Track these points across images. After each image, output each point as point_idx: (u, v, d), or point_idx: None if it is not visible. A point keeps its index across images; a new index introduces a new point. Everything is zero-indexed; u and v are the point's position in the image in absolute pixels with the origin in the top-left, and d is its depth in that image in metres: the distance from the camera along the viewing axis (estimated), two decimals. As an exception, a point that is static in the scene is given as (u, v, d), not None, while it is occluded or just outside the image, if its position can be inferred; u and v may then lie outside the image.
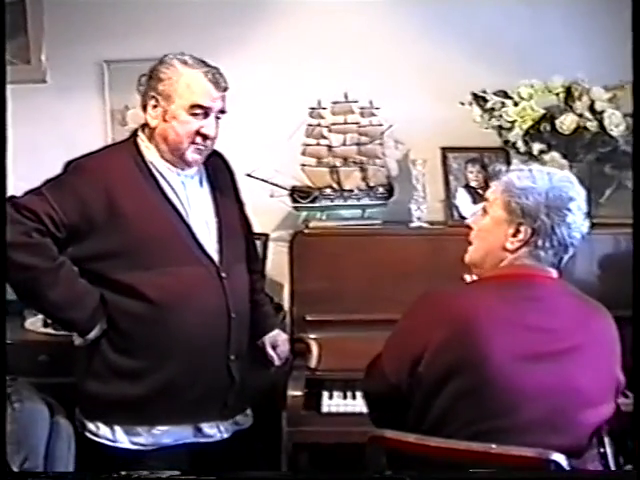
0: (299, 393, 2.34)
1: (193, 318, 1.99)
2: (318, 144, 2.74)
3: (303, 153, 2.73)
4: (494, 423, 1.62)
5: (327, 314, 2.53)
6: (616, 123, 2.48)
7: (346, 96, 2.76)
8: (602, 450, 1.76)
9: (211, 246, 2.07)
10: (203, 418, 2.06)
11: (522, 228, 1.69)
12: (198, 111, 2.01)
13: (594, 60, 2.67)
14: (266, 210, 2.75)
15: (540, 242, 1.69)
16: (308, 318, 2.55)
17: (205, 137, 2.03)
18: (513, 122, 2.57)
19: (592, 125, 2.50)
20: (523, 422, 1.62)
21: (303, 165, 2.75)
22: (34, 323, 2.82)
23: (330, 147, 2.75)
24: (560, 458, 1.53)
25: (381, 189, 2.77)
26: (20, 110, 3.02)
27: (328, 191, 2.75)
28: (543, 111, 2.54)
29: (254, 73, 2.96)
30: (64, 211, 1.96)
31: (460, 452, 1.57)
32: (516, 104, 2.58)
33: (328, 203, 2.76)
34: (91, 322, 2.00)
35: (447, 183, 2.80)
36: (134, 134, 2.11)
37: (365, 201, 2.76)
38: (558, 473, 1.57)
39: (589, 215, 2.63)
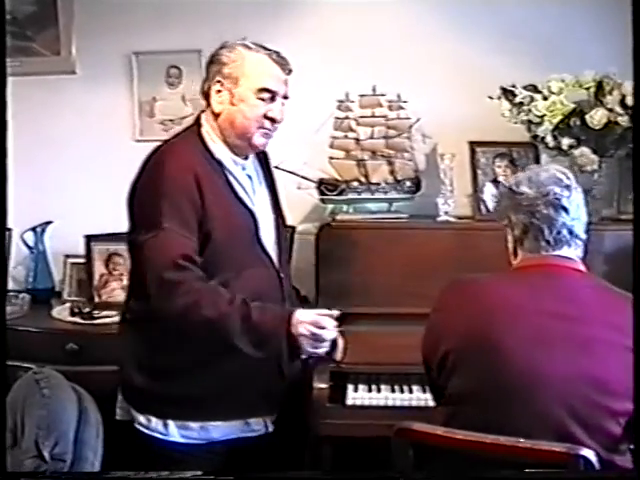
0: (324, 386, 2.33)
1: None
2: (346, 137, 2.74)
3: (331, 146, 2.73)
4: (511, 405, 1.63)
5: (353, 307, 2.51)
6: (648, 118, 2.45)
7: (374, 89, 2.75)
8: (632, 447, 1.74)
9: (270, 246, 2.05)
10: (254, 413, 2.05)
11: (508, 229, 1.82)
12: (265, 95, 1.96)
13: (626, 54, 2.64)
14: (293, 202, 2.74)
15: (531, 235, 1.76)
16: (334, 311, 2.55)
17: (273, 121, 1.99)
18: (542, 117, 2.55)
19: (623, 120, 2.47)
20: (541, 405, 1.61)
21: (331, 158, 2.75)
22: (61, 312, 2.85)
23: (358, 140, 2.75)
24: (589, 454, 1.51)
25: (408, 183, 2.76)
26: (49, 101, 3.08)
27: (355, 184, 2.75)
28: (573, 105, 2.52)
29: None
30: (193, 236, 1.88)
31: (488, 446, 1.57)
32: (545, 98, 2.56)
33: (355, 196, 2.75)
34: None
35: (475, 177, 2.78)
36: (195, 125, 2.03)
37: (392, 194, 2.75)
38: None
39: (619, 211, 2.64)
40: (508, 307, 1.71)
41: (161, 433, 2.00)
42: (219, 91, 1.97)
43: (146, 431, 2.01)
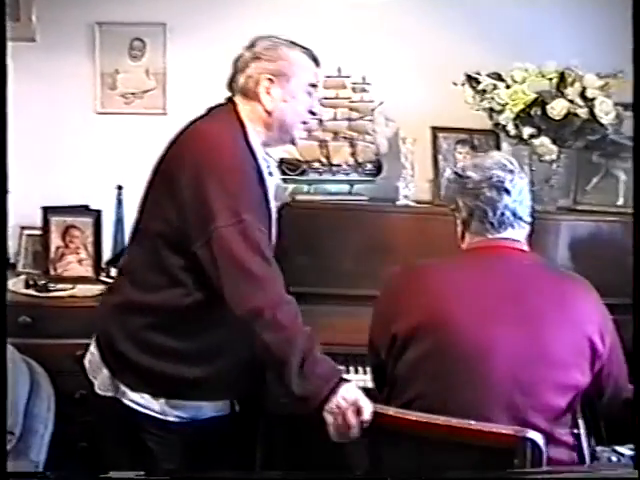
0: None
1: None
2: (309, 117, 2.73)
3: (294, 125, 2.72)
4: (459, 379, 1.68)
5: (311, 287, 2.53)
6: (606, 111, 2.48)
7: (339, 71, 2.75)
8: (576, 431, 1.79)
9: (273, 239, 2.03)
10: (235, 394, 2.04)
11: (456, 213, 1.89)
12: (311, 89, 2.02)
13: (589, 47, 2.68)
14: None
15: (477, 217, 1.83)
16: (291, 290, 2.55)
17: (314, 114, 2.06)
18: (504, 105, 2.56)
19: (582, 112, 2.50)
20: (488, 378, 1.67)
21: (293, 138, 2.74)
22: (16, 284, 2.82)
23: (321, 121, 2.72)
24: (537, 437, 1.56)
25: (369, 165, 2.77)
26: (7, 68, 3.01)
27: (317, 165, 2.75)
28: (535, 95, 2.54)
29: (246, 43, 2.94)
30: (267, 231, 1.88)
31: (439, 427, 1.60)
32: (508, 87, 2.58)
33: (316, 177, 2.76)
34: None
35: (436, 163, 2.81)
36: (236, 118, 1.97)
37: (353, 177, 2.77)
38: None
39: (575, 201, 2.69)
40: (457, 288, 1.76)
41: (155, 411, 1.96)
42: (269, 88, 1.97)
43: (140, 409, 1.97)
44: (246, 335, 1.82)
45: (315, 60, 2.03)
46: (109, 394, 2.01)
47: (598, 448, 1.91)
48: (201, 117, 2.02)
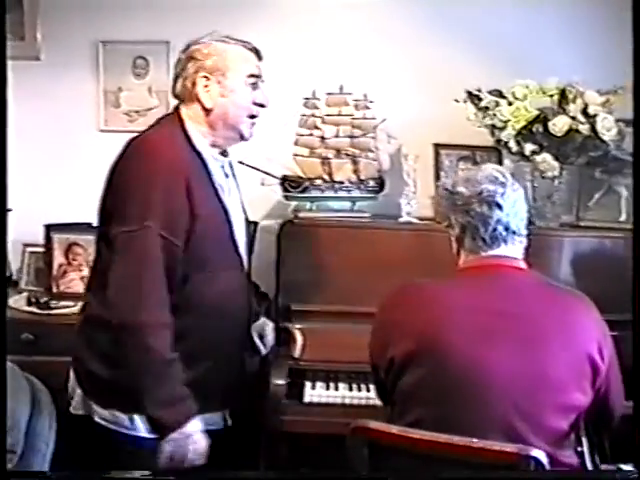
0: (282, 382, 2.34)
1: (227, 322, 1.97)
2: (311, 134, 2.74)
3: (296, 143, 2.73)
4: (458, 402, 1.65)
5: (312, 304, 2.53)
6: (608, 127, 2.49)
7: (341, 88, 2.76)
8: (579, 449, 1.78)
9: (242, 247, 2.03)
10: (216, 407, 2.02)
11: (450, 230, 1.84)
12: (253, 80, 1.99)
13: (589, 64, 2.69)
14: (256, 198, 2.74)
15: (469, 234, 1.78)
16: (293, 308, 2.55)
17: (261, 106, 2.01)
18: (506, 122, 2.57)
19: (584, 128, 2.50)
20: (486, 401, 1.63)
21: (295, 155, 2.75)
22: (18, 301, 2.82)
23: (323, 138, 2.75)
24: (540, 455, 1.54)
25: (372, 182, 2.77)
26: (11, 86, 3.02)
27: (319, 182, 2.75)
28: (537, 112, 2.55)
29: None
30: (176, 239, 1.84)
31: (441, 445, 1.59)
32: (510, 104, 2.59)
33: (318, 194, 2.76)
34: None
35: (438, 179, 2.81)
36: (177, 119, 1.98)
37: (355, 193, 2.77)
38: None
39: (577, 218, 2.69)
40: (452, 310, 1.71)
41: (127, 428, 1.94)
42: (206, 86, 1.96)
43: (110, 426, 1.96)
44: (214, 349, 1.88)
45: (256, 51, 2.02)
46: (80, 412, 2.01)
47: (602, 466, 1.90)
48: (149, 128, 2.03)
